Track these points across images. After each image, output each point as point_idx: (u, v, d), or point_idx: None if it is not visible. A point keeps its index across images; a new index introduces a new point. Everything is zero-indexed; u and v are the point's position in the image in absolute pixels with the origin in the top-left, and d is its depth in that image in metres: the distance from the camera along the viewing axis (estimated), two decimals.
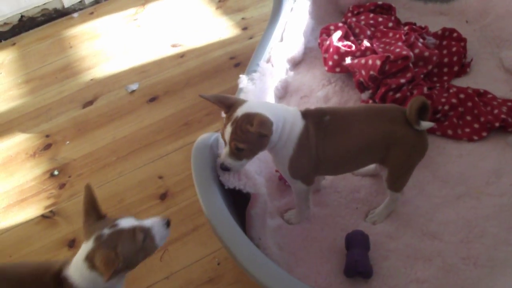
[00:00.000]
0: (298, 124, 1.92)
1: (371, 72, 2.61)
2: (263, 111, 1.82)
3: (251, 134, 1.79)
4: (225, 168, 1.89)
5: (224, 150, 1.88)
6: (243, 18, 3.73)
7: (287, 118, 1.90)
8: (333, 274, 2.07)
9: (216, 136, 2.03)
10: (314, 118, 1.95)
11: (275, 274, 1.66)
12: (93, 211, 1.71)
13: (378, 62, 2.58)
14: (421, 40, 2.86)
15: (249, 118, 1.79)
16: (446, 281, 2.02)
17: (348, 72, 2.77)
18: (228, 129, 1.82)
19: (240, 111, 1.82)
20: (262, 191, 2.00)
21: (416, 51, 2.73)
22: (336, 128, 1.95)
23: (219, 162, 1.91)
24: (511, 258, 2.05)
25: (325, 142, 1.94)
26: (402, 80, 2.60)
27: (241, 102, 1.87)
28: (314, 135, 1.92)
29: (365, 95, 2.68)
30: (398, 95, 2.58)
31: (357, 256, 2.00)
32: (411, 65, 2.66)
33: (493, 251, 2.08)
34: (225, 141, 1.86)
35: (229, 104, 1.86)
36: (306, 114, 1.96)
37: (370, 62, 2.62)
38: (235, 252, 1.71)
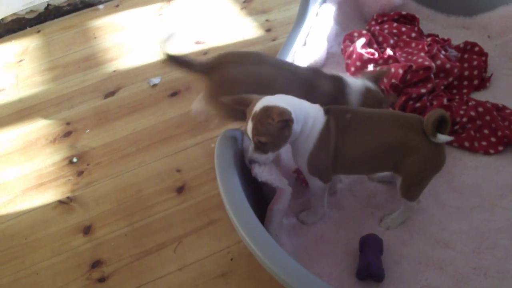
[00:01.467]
0: (320, 119, 1.96)
1: (393, 80, 2.64)
2: (281, 103, 1.85)
3: (272, 126, 1.83)
4: (253, 161, 1.94)
5: (250, 147, 1.92)
6: (267, 20, 3.75)
7: (309, 112, 1.94)
8: (346, 276, 2.09)
9: (239, 132, 2.06)
10: (336, 115, 1.98)
11: (294, 269, 1.68)
12: None
13: (401, 71, 2.61)
14: (443, 52, 2.88)
15: (268, 111, 1.83)
16: None
17: None
18: (250, 125, 1.86)
19: (258, 106, 1.86)
20: (289, 188, 2.04)
21: (438, 62, 2.76)
22: (356, 127, 1.97)
23: (247, 158, 1.95)
24: None
25: (344, 139, 1.97)
26: (423, 90, 2.63)
27: (258, 98, 1.90)
28: (334, 132, 1.95)
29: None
30: (418, 104, 2.61)
31: (370, 258, 2.03)
32: (432, 76, 2.69)
33: (504, 263, 2.10)
34: (248, 137, 1.90)
35: (247, 103, 1.91)
36: (329, 111, 1.99)
37: (392, 70, 2.65)
38: (253, 244, 1.72)
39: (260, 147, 1.89)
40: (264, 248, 1.71)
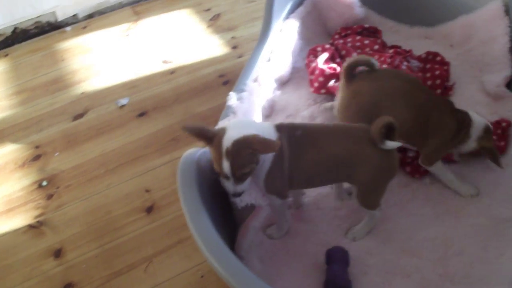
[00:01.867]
0: (272, 137, 1.95)
1: None
2: (244, 132, 1.83)
3: (252, 155, 1.83)
4: (239, 195, 1.93)
5: (227, 183, 1.89)
6: (233, 37, 3.80)
7: (263, 132, 1.91)
8: None
9: (202, 151, 2.07)
10: (287, 132, 1.99)
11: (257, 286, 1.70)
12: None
13: None
14: (405, 63, 2.92)
15: (244, 143, 1.80)
16: None
17: (333, 93, 2.81)
18: (226, 164, 1.82)
19: (226, 142, 1.82)
20: (267, 205, 2.08)
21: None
22: (306, 142, 1.99)
23: (230, 193, 1.93)
24: (487, 275, 2.10)
25: (297, 156, 1.98)
26: None
27: (221, 133, 1.85)
28: (287, 149, 1.97)
29: None
30: None
31: (336, 271, 2.04)
32: None
33: (469, 268, 2.13)
34: (225, 174, 1.86)
35: (209, 137, 1.86)
36: (280, 128, 2.00)
37: None
38: (220, 269, 1.72)
39: (241, 178, 1.88)
40: (228, 268, 1.72)
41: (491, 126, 2.38)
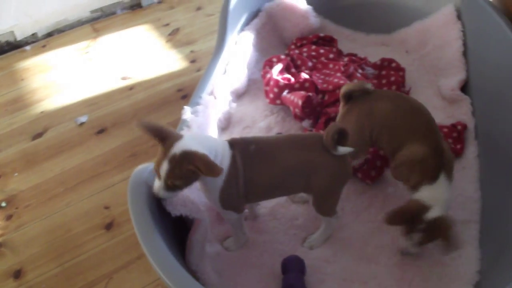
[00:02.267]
0: (227, 155, 1.96)
1: (296, 110, 2.71)
2: (199, 147, 1.83)
3: (190, 171, 1.81)
4: (161, 198, 1.93)
5: (157, 183, 1.88)
6: (192, 51, 3.81)
7: (218, 150, 1.93)
8: None
9: (152, 167, 2.06)
10: (240, 148, 2.00)
11: None
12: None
13: (300, 102, 2.68)
14: (360, 70, 2.96)
15: (189, 157, 1.80)
16: None
17: (288, 104, 2.82)
18: (165, 166, 1.82)
19: (177, 148, 1.82)
20: (205, 218, 2.05)
21: (355, 81, 2.82)
22: (261, 157, 2.00)
23: (153, 191, 1.91)
24: (443, 279, 2.14)
25: (252, 171, 1.99)
26: None
27: (176, 137, 1.85)
28: (241, 165, 1.97)
29: (306, 123, 2.76)
30: None
31: (292, 280, 2.06)
32: None
33: (427, 272, 2.17)
34: (159, 175, 1.86)
35: (163, 137, 1.85)
36: (233, 144, 2.01)
37: (295, 100, 2.71)
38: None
39: (171, 187, 1.87)
40: (179, 284, 1.71)
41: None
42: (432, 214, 2.04)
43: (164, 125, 1.91)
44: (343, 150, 1.98)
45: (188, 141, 1.85)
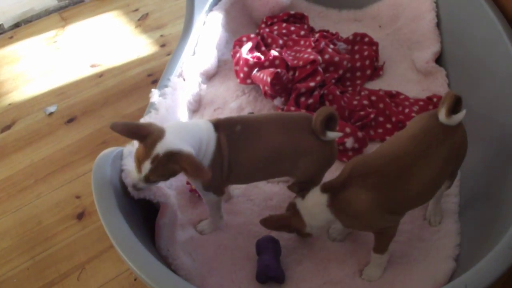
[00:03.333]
0: (212, 139, 1.89)
1: (266, 88, 2.65)
2: (183, 144, 1.76)
3: (173, 170, 1.74)
4: (138, 189, 1.85)
5: (137, 175, 1.79)
6: (161, 35, 3.76)
7: (202, 137, 1.86)
8: (247, 282, 2.06)
9: (119, 150, 2.00)
10: (226, 129, 1.93)
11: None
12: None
13: (269, 79, 2.61)
14: (331, 46, 2.91)
15: (174, 157, 1.72)
16: (360, 280, 2.05)
17: (258, 83, 2.78)
18: (147, 166, 1.73)
19: (160, 148, 1.72)
20: (172, 201, 1.98)
21: (326, 56, 2.79)
22: (247, 137, 1.94)
23: (129, 182, 1.85)
24: (423, 253, 2.09)
25: (237, 152, 1.93)
26: (312, 84, 2.64)
27: (158, 135, 1.74)
28: (226, 146, 1.91)
29: (277, 101, 2.70)
30: (310, 101, 2.61)
31: (267, 261, 2.00)
32: (320, 69, 2.71)
33: (407, 248, 2.12)
34: (140, 170, 1.76)
35: (142, 135, 1.75)
36: (218, 126, 1.93)
37: (264, 78, 2.65)
38: (141, 273, 1.63)
39: (151, 181, 1.80)
40: (150, 273, 1.63)
41: None
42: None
43: (140, 122, 1.84)
44: (332, 135, 1.93)
45: (170, 139, 1.75)
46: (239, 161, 1.95)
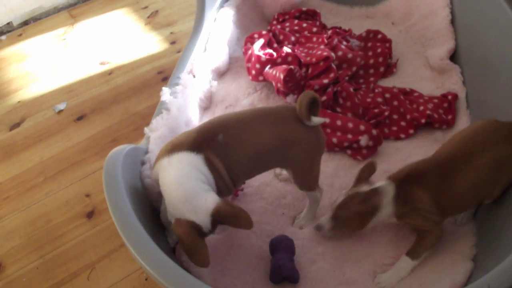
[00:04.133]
0: (201, 166, 1.86)
1: (279, 85, 2.62)
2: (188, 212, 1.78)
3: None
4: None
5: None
6: (171, 33, 3.73)
7: (198, 170, 1.84)
8: (260, 282, 2.04)
9: (129, 148, 1.98)
10: (209, 143, 1.88)
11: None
12: None
13: (282, 76, 2.58)
14: (344, 42, 2.88)
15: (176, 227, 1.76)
16: None
17: (270, 80, 2.75)
18: None
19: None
20: None
21: (339, 53, 2.75)
22: (232, 142, 1.91)
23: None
24: (441, 253, 2.06)
25: (228, 159, 1.90)
26: (325, 81, 2.61)
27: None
28: (217, 160, 1.87)
29: (290, 98, 2.66)
30: (324, 98, 2.58)
31: (281, 261, 1.97)
32: (333, 65, 2.67)
33: None
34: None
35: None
36: (200, 145, 1.87)
37: (277, 74, 2.62)
38: (154, 272, 1.60)
39: None
40: (163, 273, 1.60)
41: None
42: None
43: None
44: (317, 120, 1.92)
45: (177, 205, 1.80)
46: (233, 166, 1.93)
